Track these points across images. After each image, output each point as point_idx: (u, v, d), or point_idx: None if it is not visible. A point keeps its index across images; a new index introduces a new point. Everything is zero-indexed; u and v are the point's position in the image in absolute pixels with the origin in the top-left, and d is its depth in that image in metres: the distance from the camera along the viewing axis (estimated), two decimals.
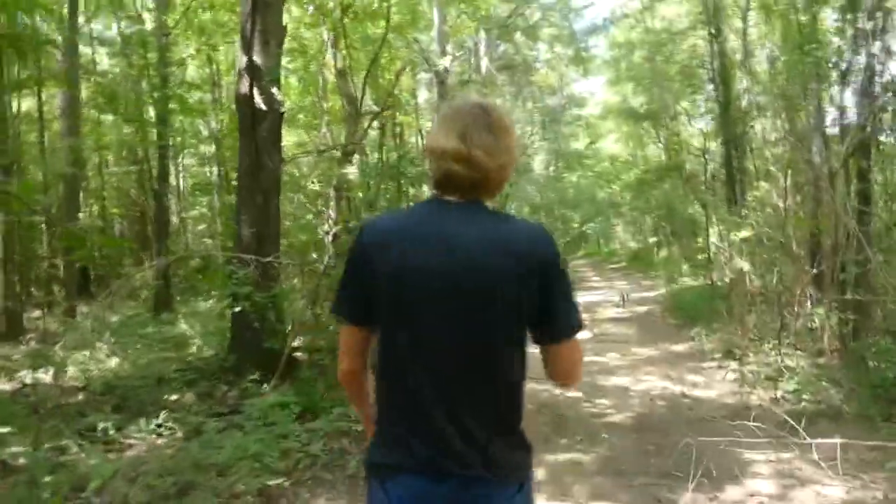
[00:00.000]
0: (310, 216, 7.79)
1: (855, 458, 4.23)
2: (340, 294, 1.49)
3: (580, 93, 28.09)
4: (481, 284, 1.34)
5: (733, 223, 8.64)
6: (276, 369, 5.78)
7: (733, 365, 7.19)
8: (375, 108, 8.60)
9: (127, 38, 12.71)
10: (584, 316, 1.56)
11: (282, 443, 4.36)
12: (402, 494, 1.36)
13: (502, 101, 25.70)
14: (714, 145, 14.51)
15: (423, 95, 24.27)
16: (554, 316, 1.41)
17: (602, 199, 27.68)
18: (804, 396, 5.63)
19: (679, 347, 8.68)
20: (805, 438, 4.07)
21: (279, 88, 6.56)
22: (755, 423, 4.74)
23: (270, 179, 6.46)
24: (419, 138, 22.06)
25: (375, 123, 16.58)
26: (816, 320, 6.50)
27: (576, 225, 27.83)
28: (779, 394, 5.89)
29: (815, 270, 6.59)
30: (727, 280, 8.87)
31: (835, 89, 7.03)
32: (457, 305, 1.35)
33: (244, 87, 6.33)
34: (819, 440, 3.97)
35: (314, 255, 6.68)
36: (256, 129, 6.35)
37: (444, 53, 16.95)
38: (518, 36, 23.07)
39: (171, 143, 14.22)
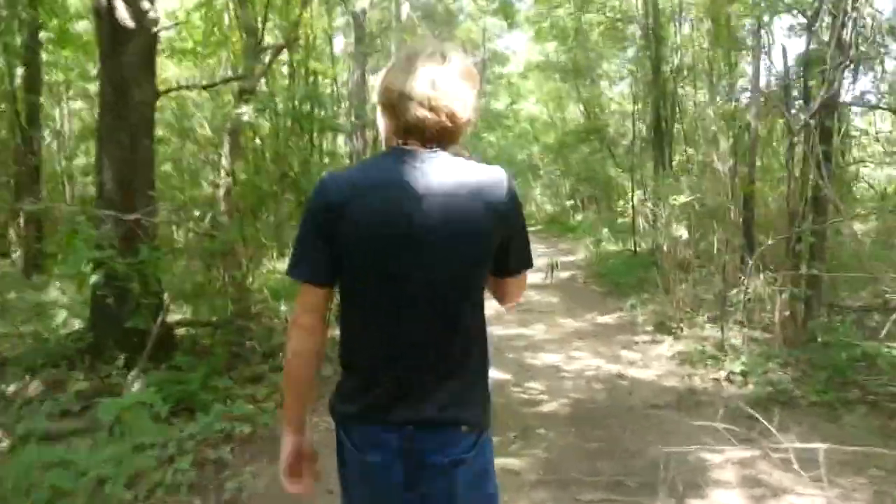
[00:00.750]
0: (196, 165, 6.54)
1: (831, 460, 3.64)
2: (300, 254, 1.39)
3: (503, 49, 27.08)
4: (454, 232, 1.33)
5: (670, 187, 8.06)
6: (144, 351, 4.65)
7: (669, 340, 6.64)
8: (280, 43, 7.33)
9: None
10: None
11: (137, 457, 3.30)
12: (359, 442, 1.36)
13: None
14: (637, 107, 13.96)
15: (340, 44, 22.70)
16: (514, 254, 1.45)
17: (521, 161, 27.17)
18: (752, 379, 5.08)
19: (608, 318, 8.09)
20: (779, 441, 3.44)
21: (152, 2, 5.24)
22: (709, 420, 4.08)
23: (139, 115, 5.17)
24: (335, 87, 20.64)
25: (285, 69, 15.14)
26: (762, 294, 5.97)
27: None
28: (722, 374, 5.33)
29: (769, 241, 6.03)
30: (657, 246, 8.31)
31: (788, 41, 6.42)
32: (429, 255, 1.33)
33: None
34: (798, 445, 3.35)
35: (198, 213, 5.49)
36: (120, 51, 5.04)
37: None
38: None
39: (48, 79, 12.27)
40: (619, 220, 14.99)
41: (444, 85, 1.34)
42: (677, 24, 11.36)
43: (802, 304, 5.16)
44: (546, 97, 26.77)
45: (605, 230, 15.32)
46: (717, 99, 9.79)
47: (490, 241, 1.36)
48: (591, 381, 5.49)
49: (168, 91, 5.76)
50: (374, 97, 1.59)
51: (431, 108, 1.34)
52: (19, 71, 11.44)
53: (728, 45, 12.37)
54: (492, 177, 1.38)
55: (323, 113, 6.03)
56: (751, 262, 5.55)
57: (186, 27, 7.88)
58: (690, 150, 11.24)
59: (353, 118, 16.50)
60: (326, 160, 10.20)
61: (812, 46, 5.23)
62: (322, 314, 1.42)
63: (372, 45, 18.01)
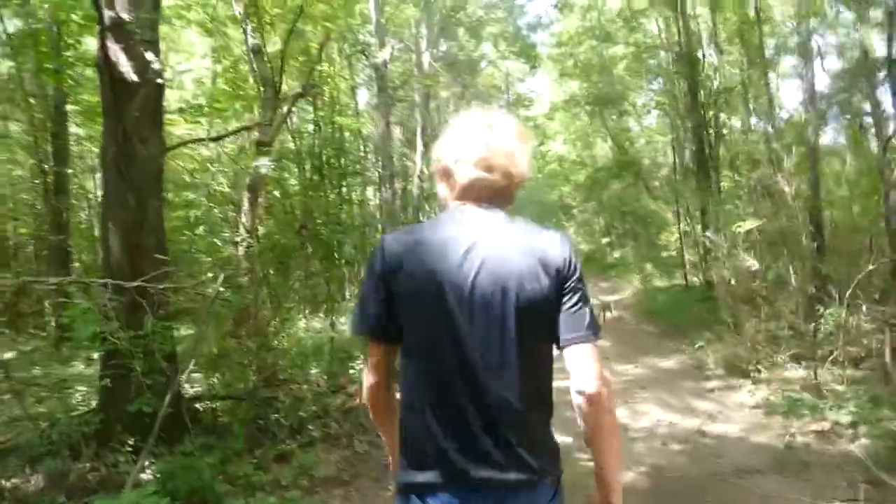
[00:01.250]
0: (209, 223, 6.05)
1: None
2: (360, 310, 1.40)
3: (526, 92, 26.82)
4: (510, 291, 1.32)
5: (728, 213, 7.32)
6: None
7: (747, 385, 5.80)
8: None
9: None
10: None
11: None
12: None
13: (445, 101, 24.35)
14: (674, 136, 13.27)
15: (364, 98, 22.68)
16: (572, 320, 1.37)
17: (552, 202, 26.58)
18: (865, 430, 4.24)
19: (669, 363, 7.26)
20: None
21: (157, 53, 4.84)
22: (822, 486, 3.29)
23: (146, 173, 4.69)
24: (361, 140, 20.48)
25: (311, 127, 14.96)
26: (853, 327, 5.14)
27: None
28: (825, 425, 4.49)
29: (871, 266, 5.22)
30: (717, 279, 7.51)
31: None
32: (488, 313, 1.32)
33: (106, 50, 4.58)
34: None
35: (211, 274, 4.96)
36: (124, 105, 4.61)
37: (382, 45, 15.41)
38: (461, 33, 21.80)
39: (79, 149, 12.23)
40: (664, 254, 14.15)
41: (496, 145, 1.38)
42: (710, 47, 10.79)
43: None
44: (573, 136, 26.26)
45: (650, 265, 14.47)
46: (755, 120, 9.12)
47: (544, 301, 1.34)
48: (666, 440, 4.69)
49: (177, 146, 5.33)
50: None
51: (486, 168, 1.37)
52: (49, 145, 11.40)
53: (763, 64, 11.74)
54: (549, 238, 1.39)
55: (344, 161, 5.46)
56: (847, 292, 4.74)
57: (199, 85, 7.58)
58: (738, 176, 10.50)
59: (380, 169, 16.21)
60: (356, 209, 9.69)
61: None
62: (387, 373, 1.43)
63: (395, 96, 17.83)
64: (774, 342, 6.44)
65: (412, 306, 1.33)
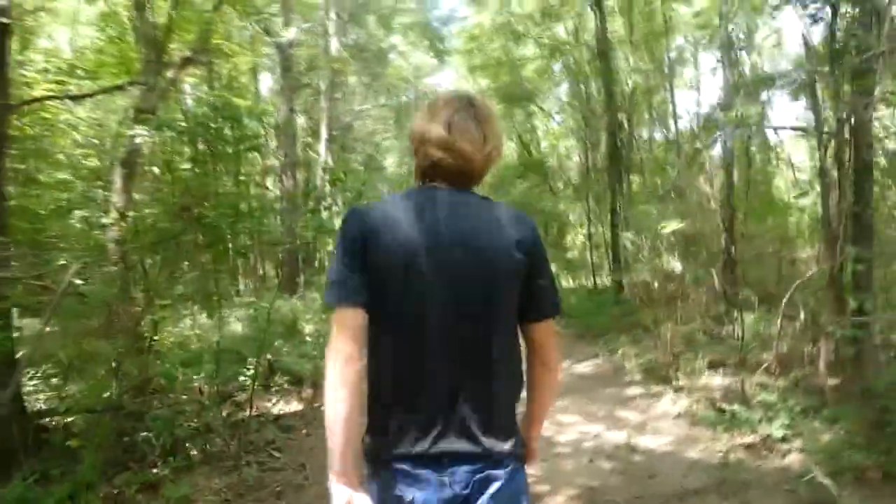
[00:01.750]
0: (76, 204, 5.02)
1: None
2: (336, 278, 1.33)
3: (435, 86, 26.34)
4: (484, 268, 1.34)
5: (647, 215, 7.09)
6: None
7: (669, 393, 5.52)
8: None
9: None
10: None
11: None
12: (395, 481, 1.30)
13: (352, 91, 23.46)
14: (583, 136, 13.18)
15: (267, 84, 21.42)
16: (540, 297, 1.42)
17: None
18: (800, 444, 3.98)
19: (585, 368, 6.94)
20: None
21: None
22: None
23: None
24: (262, 127, 19.19)
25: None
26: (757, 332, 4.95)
27: None
28: (756, 439, 4.22)
29: (810, 272, 5.02)
30: (635, 280, 7.28)
31: None
32: (462, 290, 1.33)
33: None
34: None
35: (64, 261, 4.00)
36: None
37: (287, 25, 14.38)
38: (371, 22, 21.01)
39: None
40: (568, 255, 14.07)
41: (460, 128, 1.40)
42: (625, 48, 10.73)
43: (853, 346, 4.15)
44: None
45: (555, 266, 14.36)
46: (659, 125, 9.10)
47: (514, 277, 1.37)
48: (594, 456, 4.26)
49: (27, 103, 4.31)
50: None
51: (447, 150, 1.39)
52: None
53: (668, 76, 11.85)
54: (517, 217, 1.44)
55: (240, 134, 4.64)
56: (784, 298, 4.51)
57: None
58: (646, 179, 10.48)
59: (281, 157, 15.16)
60: (253, 194, 8.81)
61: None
62: (361, 339, 1.31)
63: (300, 81, 16.79)
64: (690, 347, 6.24)
65: (389, 278, 1.31)
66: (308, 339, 8.11)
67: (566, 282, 12.97)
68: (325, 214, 16.46)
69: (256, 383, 5.44)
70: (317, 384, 6.29)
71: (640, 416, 5.08)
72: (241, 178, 7.12)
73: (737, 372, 5.69)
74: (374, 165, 27.28)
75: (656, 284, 6.40)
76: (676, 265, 6.09)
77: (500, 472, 1.33)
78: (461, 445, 1.31)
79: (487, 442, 1.32)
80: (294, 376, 6.26)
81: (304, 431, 5.02)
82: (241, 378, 5.67)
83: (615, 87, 9.98)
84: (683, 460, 4.11)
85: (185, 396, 5.03)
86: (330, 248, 20.03)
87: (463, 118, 1.40)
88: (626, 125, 10.32)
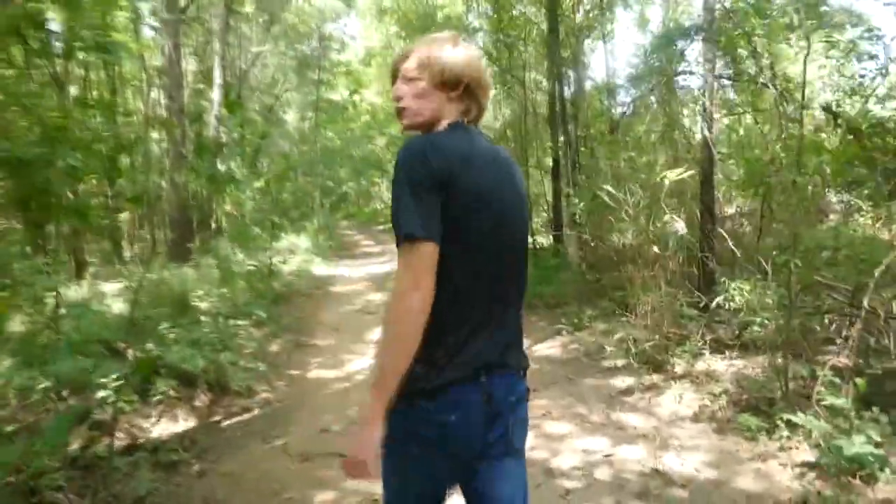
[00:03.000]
0: None
1: None
2: (419, 214, 1.29)
3: (340, 35, 24.05)
4: (523, 202, 1.51)
5: (633, 164, 5.86)
6: None
7: (672, 385, 4.38)
8: None
9: None
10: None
11: None
12: (466, 407, 1.35)
13: (248, 35, 20.83)
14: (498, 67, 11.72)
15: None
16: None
17: (369, 156, 24.47)
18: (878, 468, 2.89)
19: (552, 349, 5.71)
20: None
21: None
22: None
23: None
24: (145, 68, 16.50)
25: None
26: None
27: (331, 184, 24.25)
28: (830, 459, 3.10)
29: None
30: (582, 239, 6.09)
31: None
32: (517, 221, 1.46)
33: None
34: None
35: None
36: None
37: None
38: None
39: None
40: None
41: (488, 80, 1.53)
42: None
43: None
44: (389, 87, 24.20)
45: None
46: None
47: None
48: (618, 492, 3.01)
49: None
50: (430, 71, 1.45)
51: (487, 99, 1.52)
52: None
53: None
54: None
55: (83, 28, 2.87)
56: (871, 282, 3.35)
57: None
58: (590, 129, 9.31)
59: (165, 101, 12.80)
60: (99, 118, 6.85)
61: None
62: (434, 274, 1.31)
63: (187, 14, 14.27)
64: (677, 322, 5.14)
65: (472, 212, 1.34)
66: (203, 318, 6.36)
67: None
68: (220, 167, 14.23)
69: (121, 397, 3.77)
70: (217, 386, 4.68)
71: (648, 421, 3.88)
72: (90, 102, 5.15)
73: (743, 355, 4.65)
74: (274, 118, 24.81)
75: (626, 245, 5.22)
76: (679, 224, 4.91)
77: (523, 385, 1.49)
78: (508, 361, 1.43)
79: (513, 359, 1.46)
80: (183, 376, 4.61)
81: (195, 468, 3.45)
82: (106, 381, 3.99)
83: (561, 21, 8.59)
84: (741, 496, 2.93)
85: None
86: (227, 206, 17.78)
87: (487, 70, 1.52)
88: (572, 64, 9.02)
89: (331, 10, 22.66)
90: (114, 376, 3.89)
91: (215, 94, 16.13)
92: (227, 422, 4.19)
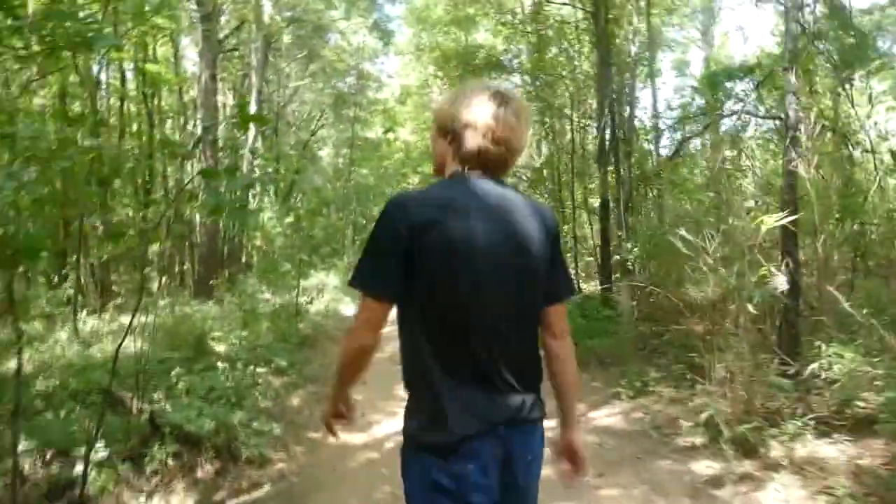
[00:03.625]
0: None
1: None
2: (374, 267, 1.39)
3: (377, 72, 23.98)
4: (527, 251, 1.42)
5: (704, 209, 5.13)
6: None
7: (770, 476, 3.54)
8: None
9: None
10: None
11: None
12: (481, 456, 1.36)
13: (286, 71, 20.79)
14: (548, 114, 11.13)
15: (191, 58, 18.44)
16: (561, 281, 1.54)
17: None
18: None
19: (609, 418, 4.90)
20: None
21: None
22: None
23: None
24: (181, 98, 16.43)
25: (104, 75, 10.99)
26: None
27: (364, 221, 23.85)
28: None
29: None
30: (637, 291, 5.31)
31: None
32: (509, 271, 1.40)
33: None
34: None
35: None
36: None
37: None
38: None
39: None
40: None
41: (505, 119, 1.43)
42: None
43: None
44: (425, 125, 23.91)
45: None
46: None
47: (546, 259, 1.46)
48: None
49: None
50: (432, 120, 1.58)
51: (494, 140, 1.42)
52: None
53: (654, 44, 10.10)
54: (541, 203, 1.60)
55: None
56: None
57: None
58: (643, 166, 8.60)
59: (199, 131, 12.51)
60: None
61: None
62: (380, 329, 1.40)
63: (225, 45, 14.13)
64: (767, 393, 4.32)
65: (443, 266, 1.34)
66: (220, 364, 5.72)
67: None
68: (252, 203, 13.83)
69: (107, 469, 3.11)
70: (225, 452, 3.99)
71: None
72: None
73: (855, 437, 3.81)
74: (309, 154, 24.67)
75: (699, 298, 4.43)
76: (780, 278, 4.13)
77: (535, 433, 1.47)
78: (506, 416, 1.39)
79: (526, 413, 1.43)
80: (187, 439, 3.95)
81: None
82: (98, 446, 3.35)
83: (613, 53, 7.98)
84: None
85: None
86: (258, 241, 17.39)
87: (507, 112, 1.42)
88: (624, 98, 8.37)
89: (369, 49, 22.63)
90: (100, 444, 3.25)
91: (251, 129, 15.92)
92: (233, 501, 3.48)
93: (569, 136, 10.56)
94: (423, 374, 1.38)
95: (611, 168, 7.72)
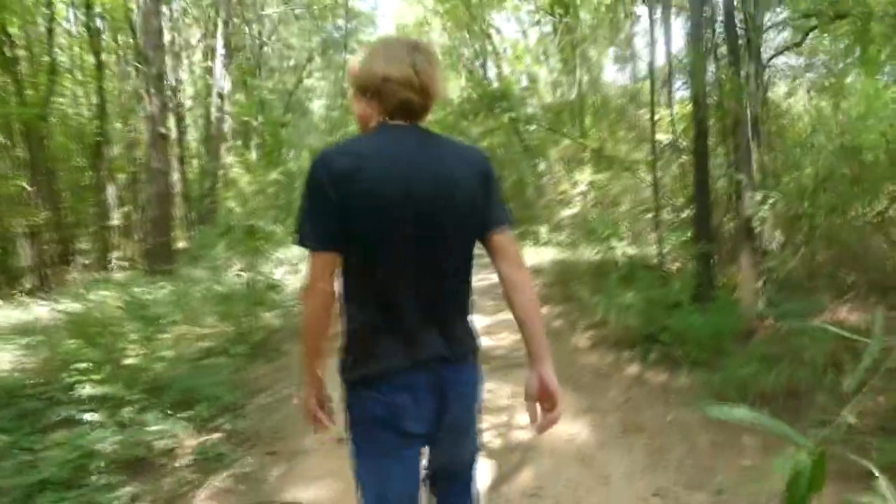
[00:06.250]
0: None
1: None
2: (312, 224, 1.38)
3: (370, 11, 20.86)
4: (452, 194, 1.40)
5: None
6: None
7: None
8: None
9: None
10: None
11: None
12: (396, 391, 1.40)
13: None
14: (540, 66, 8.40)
15: None
16: (496, 211, 1.48)
17: None
18: None
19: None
20: None
21: None
22: None
23: None
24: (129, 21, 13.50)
25: None
26: None
27: None
28: None
29: None
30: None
31: None
32: (435, 216, 1.38)
33: None
34: None
35: None
36: None
37: None
38: None
39: None
40: (566, 213, 9.48)
41: (421, 67, 1.41)
42: None
43: None
44: None
45: (543, 229, 9.75)
46: None
47: (476, 200, 1.43)
48: None
49: None
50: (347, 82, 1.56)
51: (413, 89, 1.40)
52: None
53: None
54: (470, 148, 1.52)
55: None
56: None
57: None
58: None
59: (144, 66, 9.70)
60: None
61: None
62: (333, 279, 1.41)
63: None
64: None
65: (369, 216, 1.35)
66: (90, 416, 3.16)
67: (557, 252, 8.44)
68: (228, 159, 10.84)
69: None
70: None
71: None
72: None
73: None
74: (299, 110, 21.74)
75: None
76: None
77: (464, 369, 1.48)
78: (435, 353, 1.41)
79: (454, 349, 1.44)
80: None
81: None
82: None
83: None
84: None
85: None
86: (231, 203, 14.69)
87: (422, 60, 1.41)
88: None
89: None
90: None
91: (217, 67, 13.03)
92: None
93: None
94: (356, 315, 1.41)
95: (720, 72, 5.02)
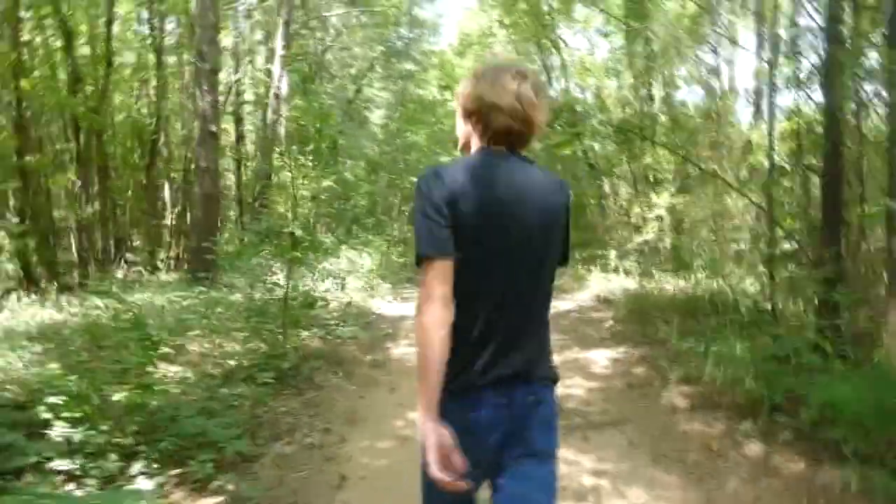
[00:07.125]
0: None
1: None
2: (429, 233, 1.35)
3: (431, 18, 20.28)
4: (547, 221, 1.42)
5: None
6: None
7: None
8: None
9: None
10: None
11: None
12: (489, 407, 1.37)
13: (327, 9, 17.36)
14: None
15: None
16: (566, 246, 1.52)
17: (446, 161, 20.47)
18: None
19: None
20: None
21: None
22: None
23: None
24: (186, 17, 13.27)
25: None
26: None
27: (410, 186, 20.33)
28: None
29: None
30: None
31: None
32: (534, 240, 1.40)
33: None
34: None
35: None
36: None
37: None
38: None
39: None
40: (638, 240, 8.48)
41: (526, 97, 1.41)
42: None
43: None
44: None
45: (614, 256, 8.76)
46: None
47: (564, 231, 1.48)
48: None
49: None
50: (457, 104, 1.54)
51: (517, 118, 1.41)
52: None
53: None
54: (556, 176, 1.52)
55: None
56: None
57: None
58: None
59: (199, 58, 9.31)
60: None
61: None
62: (451, 288, 1.34)
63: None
64: None
65: (474, 236, 1.35)
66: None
67: (604, 279, 7.45)
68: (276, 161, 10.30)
69: None
70: None
71: None
72: None
73: None
74: (358, 119, 21.32)
75: None
76: None
77: (546, 392, 1.45)
78: (520, 370, 1.39)
79: (538, 370, 1.44)
80: None
81: None
82: None
83: None
84: None
85: None
86: (280, 208, 14.22)
87: (527, 89, 1.41)
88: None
89: None
90: None
91: (276, 69, 12.64)
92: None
93: None
94: (460, 329, 1.35)
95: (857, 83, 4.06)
